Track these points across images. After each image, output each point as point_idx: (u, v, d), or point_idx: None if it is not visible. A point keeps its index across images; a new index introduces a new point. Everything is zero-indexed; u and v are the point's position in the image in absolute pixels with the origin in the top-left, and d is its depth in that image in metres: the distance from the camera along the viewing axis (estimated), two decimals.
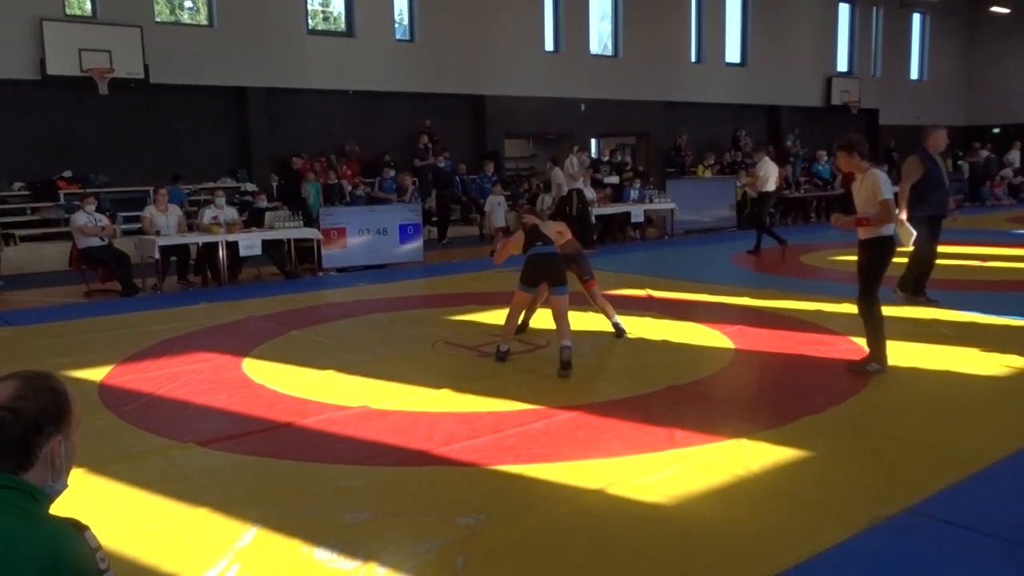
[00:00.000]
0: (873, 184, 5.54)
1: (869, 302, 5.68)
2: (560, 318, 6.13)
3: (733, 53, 24.27)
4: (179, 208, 11.73)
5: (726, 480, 3.98)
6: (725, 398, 5.50)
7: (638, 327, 7.57)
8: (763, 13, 24.22)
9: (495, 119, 19.42)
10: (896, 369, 5.83)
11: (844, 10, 26.72)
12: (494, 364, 6.35)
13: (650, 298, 9.15)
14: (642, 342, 7.09)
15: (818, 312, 8.07)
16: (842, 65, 26.87)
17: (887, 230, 5.61)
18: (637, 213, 15.57)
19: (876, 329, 5.69)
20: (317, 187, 14.42)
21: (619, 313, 7.40)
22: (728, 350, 6.66)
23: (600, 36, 22.00)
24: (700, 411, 5.07)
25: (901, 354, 6.11)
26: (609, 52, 21.84)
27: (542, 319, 7.97)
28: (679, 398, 5.38)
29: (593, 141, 21.94)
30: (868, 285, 5.68)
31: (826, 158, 20.43)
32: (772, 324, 7.53)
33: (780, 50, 24.42)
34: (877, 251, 5.63)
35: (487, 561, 3.27)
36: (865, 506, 3.64)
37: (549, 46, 20.49)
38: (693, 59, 23.22)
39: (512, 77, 19.34)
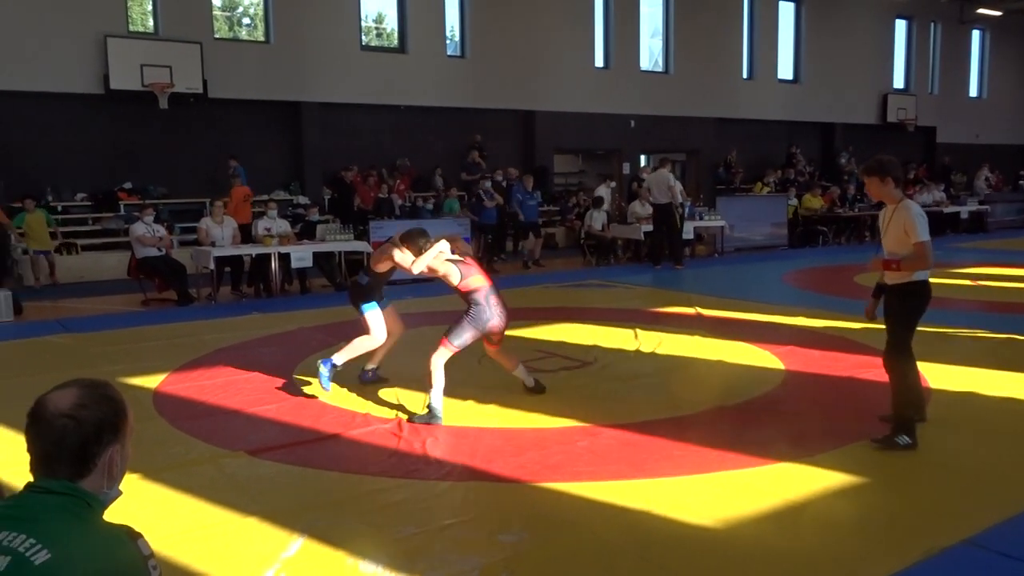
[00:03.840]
0: (907, 220, 4.55)
1: (901, 357, 4.68)
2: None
3: (786, 69, 23.99)
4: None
5: (775, 505, 3.90)
6: (774, 420, 5.40)
7: (686, 346, 7.49)
8: (817, 29, 23.92)
9: (544, 135, 19.48)
10: (951, 394, 5.67)
11: (901, 26, 26.26)
12: (540, 380, 6.31)
13: (699, 316, 9.05)
14: (690, 361, 7.01)
15: (872, 334, 7.88)
16: (898, 82, 26.38)
17: (921, 273, 4.63)
18: (687, 230, 15.44)
19: (907, 390, 4.69)
20: (454, 204, 14.70)
21: (668, 331, 7.34)
22: (778, 371, 6.55)
23: (651, 52, 21.94)
24: (748, 433, 4.98)
25: (957, 378, 5.94)
26: (660, 68, 21.76)
27: (587, 335, 7.94)
28: (727, 419, 5.30)
29: (642, 157, 21.85)
30: (900, 337, 4.68)
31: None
32: (824, 345, 7.38)
33: (834, 67, 24.07)
34: (914, 298, 4.65)
35: None
36: (919, 536, 3.54)
37: (599, 62, 20.51)
38: (745, 75, 23.02)
39: (562, 93, 19.39)
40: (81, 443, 1.65)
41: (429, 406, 5.28)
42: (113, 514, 1.72)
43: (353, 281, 6.33)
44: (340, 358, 5.85)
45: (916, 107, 25.85)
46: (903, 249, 4.58)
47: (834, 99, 24.15)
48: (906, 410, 4.67)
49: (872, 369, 6.47)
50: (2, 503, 1.77)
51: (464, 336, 5.38)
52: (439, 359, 5.34)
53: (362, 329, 6.06)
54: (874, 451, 4.61)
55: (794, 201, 18.09)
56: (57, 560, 1.52)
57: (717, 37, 22.02)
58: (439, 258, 5.52)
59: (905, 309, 4.66)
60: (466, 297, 5.49)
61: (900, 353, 4.67)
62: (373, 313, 6.00)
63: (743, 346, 7.42)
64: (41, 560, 1.52)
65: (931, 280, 4.68)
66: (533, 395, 5.81)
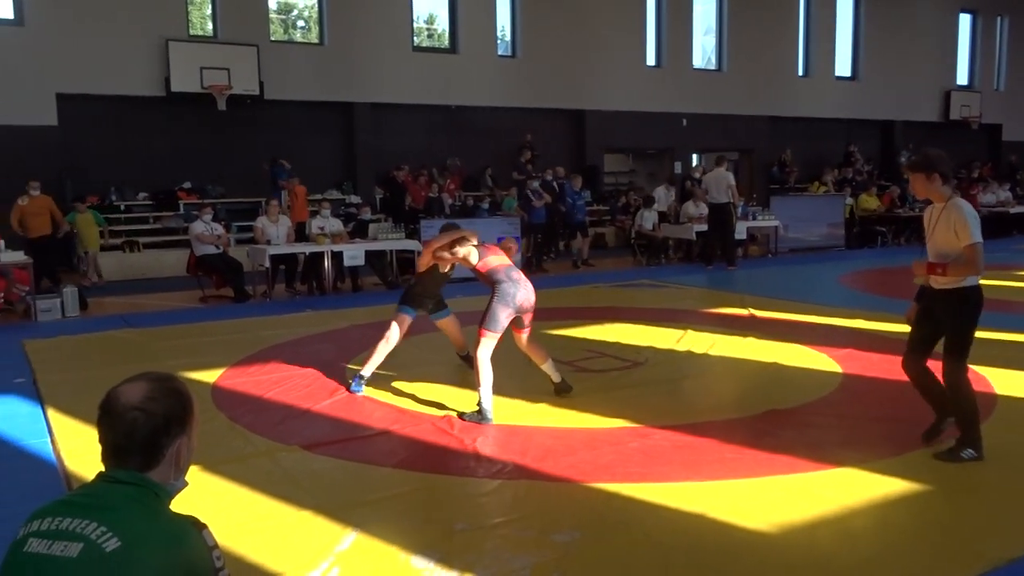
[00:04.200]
0: (957, 220, 4.20)
1: (960, 371, 4.38)
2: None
3: (844, 66, 23.51)
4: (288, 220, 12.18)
5: (832, 510, 3.83)
6: (831, 424, 5.29)
7: (739, 347, 7.39)
8: (877, 25, 23.39)
9: (595, 134, 19.40)
10: (1017, 400, 5.50)
11: (965, 20, 25.52)
12: (590, 379, 6.31)
13: (752, 317, 8.93)
14: (743, 363, 6.92)
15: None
16: (962, 78, 25.66)
17: (973, 278, 4.30)
18: (739, 230, 15.23)
19: (970, 405, 4.42)
20: (512, 202, 14.82)
21: (720, 332, 7.26)
22: (835, 374, 6.42)
23: (704, 50, 21.71)
24: (804, 437, 4.90)
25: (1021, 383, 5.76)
26: (713, 66, 21.52)
27: (637, 335, 7.89)
28: (782, 422, 5.21)
29: (694, 156, 21.63)
30: (960, 347, 4.35)
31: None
32: (883, 348, 7.21)
33: (895, 63, 23.50)
34: (968, 305, 4.31)
35: None
36: (982, 547, 3.44)
37: (651, 60, 20.36)
38: (800, 73, 22.62)
39: (613, 92, 19.30)
40: (150, 435, 1.70)
41: (479, 405, 5.30)
42: (176, 505, 1.77)
43: (409, 285, 6.56)
44: (368, 369, 6.07)
45: (980, 104, 25.12)
46: (951, 251, 4.25)
47: (894, 96, 23.59)
48: (973, 422, 4.42)
49: (934, 373, 6.31)
50: (74, 491, 1.83)
51: (499, 319, 5.36)
52: (483, 352, 5.34)
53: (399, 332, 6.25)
54: (935, 458, 4.49)
55: (851, 201, 17.71)
56: (126, 548, 1.57)
57: (772, 34, 21.68)
58: (462, 243, 5.63)
59: (961, 318, 4.34)
60: (489, 278, 5.51)
61: (961, 365, 4.38)
62: (399, 317, 6.19)
63: (798, 348, 7.29)
64: (111, 548, 1.56)
65: (990, 283, 4.51)
66: (561, 394, 5.73)
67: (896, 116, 23.96)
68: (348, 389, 6.05)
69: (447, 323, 6.53)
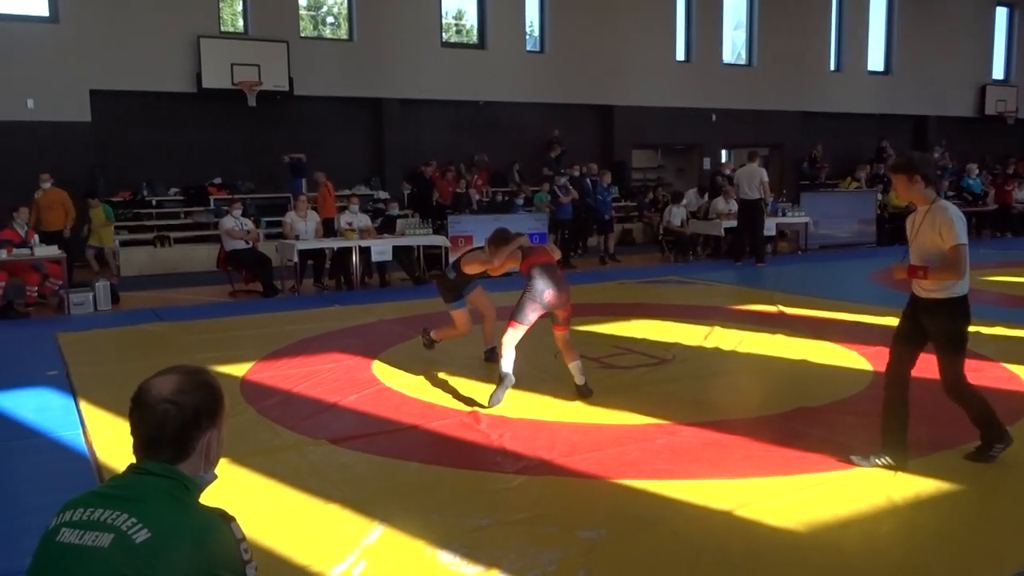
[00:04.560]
0: (943, 222, 4.03)
1: (959, 378, 4.25)
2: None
3: (876, 61, 23.18)
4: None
5: (863, 510, 3.78)
6: (861, 423, 5.21)
7: (768, 345, 7.33)
8: (910, 18, 23.02)
9: (623, 129, 19.31)
10: None
11: (1002, 14, 25.05)
12: (617, 376, 6.29)
13: (781, 314, 8.84)
14: (772, 360, 6.85)
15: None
16: (998, 72, 25.18)
17: (961, 287, 4.13)
18: (769, 227, 15.08)
19: (984, 406, 4.29)
20: (543, 196, 14.82)
21: (749, 329, 7.19)
22: (866, 372, 6.33)
23: (734, 45, 21.52)
24: (833, 435, 4.84)
25: None
26: (743, 61, 21.32)
27: (665, 332, 7.85)
28: (811, 420, 5.16)
29: (723, 152, 21.46)
30: (955, 363, 4.22)
31: (976, 172, 19.22)
32: None
33: (929, 57, 23.12)
34: (958, 318, 4.17)
35: None
36: (1012, 550, 3.38)
37: (680, 56, 20.22)
38: (832, 67, 22.35)
39: (642, 87, 19.19)
40: (181, 427, 1.72)
41: (501, 374, 5.51)
42: (204, 497, 1.78)
43: (442, 275, 6.75)
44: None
45: (1017, 98, 24.64)
46: (936, 253, 4.08)
47: (928, 91, 23.21)
48: (990, 420, 4.28)
49: (968, 372, 6.20)
50: (105, 483, 1.86)
51: (526, 312, 5.52)
52: (510, 339, 5.54)
53: (448, 321, 6.76)
54: (966, 459, 4.42)
55: (882, 196, 17.46)
56: (156, 539, 1.58)
57: (804, 28, 21.43)
58: (515, 253, 5.89)
59: (952, 330, 4.18)
60: (527, 275, 5.68)
61: (959, 372, 4.23)
62: (458, 312, 6.62)
63: (828, 346, 7.21)
64: (141, 539, 1.58)
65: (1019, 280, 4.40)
66: (581, 396, 5.67)
67: (929, 111, 23.58)
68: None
69: (476, 295, 6.77)
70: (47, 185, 11.67)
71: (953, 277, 4.06)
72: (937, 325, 4.18)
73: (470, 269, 6.29)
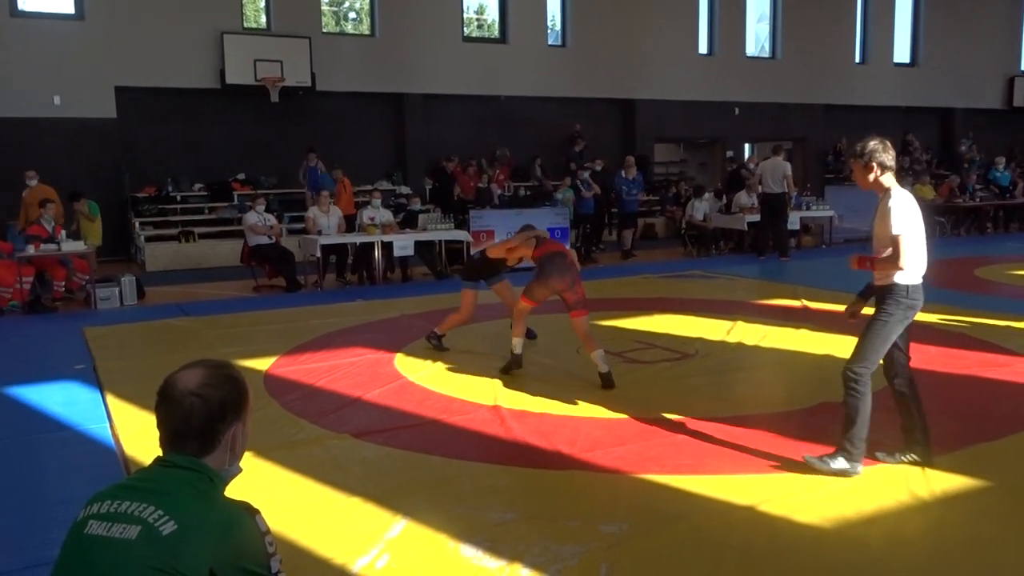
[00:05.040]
0: (887, 211, 3.94)
1: (852, 375, 4.07)
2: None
3: (902, 52, 22.88)
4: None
5: (889, 506, 3.74)
6: (887, 419, 5.15)
7: (792, 339, 7.27)
8: (938, 9, 22.70)
9: (645, 123, 19.22)
10: None
11: None
12: (640, 371, 6.27)
13: (805, 309, 8.76)
14: (795, 355, 6.79)
15: (995, 330, 7.47)
16: None
17: (908, 277, 3.97)
18: (793, 220, 14.94)
19: (853, 411, 4.08)
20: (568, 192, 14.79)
21: (772, 324, 7.12)
22: None
23: (757, 38, 21.33)
24: None
25: None
26: (766, 54, 21.14)
27: (687, 326, 7.81)
28: (835, 416, 5.09)
29: (746, 146, 21.30)
30: (863, 349, 4.06)
31: (1004, 165, 18.94)
32: (942, 342, 7.02)
33: (956, 48, 22.78)
34: (888, 304, 4.01)
35: (631, 572, 3.22)
36: None
37: (703, 49, 20.08)
38: (857, 60, 22.09)
39: (664, 81, 19.08)
40: (206, 420, 1.73)
41: (512, 352, 6.21)
42: (228, 490, 1.80)
43: (470, 257, 7.30)
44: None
45: None
46: (886, 243, 3.98)
47: (955, 83, 22.88)
48: (854, 433, 4.04)
49: (994, 367, 6.14)
50: (132, 475, 1.88)
51: (534, 290, 6.11)
52: (520, 310, 6.25)
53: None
54: (996, 455, 4.36)
55: (910, 189, 17.24)
56: (183, 531, 1.60)
57: (828, 20, 21.20)
58: (529, 241, 6.47)
59: (881, 312, 4.02)
60: (539, 262, 6.22)
61: (863, 363, 4.04)
62: (469, 292, 7.10)
63: (853, 340, 7.07)
64: (168, 531, 1.60)
65: None
66: (604, 387, 5.75)
67: (956, 103, 23.26)
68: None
69: (501, 287, 7.21)
70: (33, 182, 11.44)
71: (894, 267, 3.95)
72: (876, 309, 4.10)
73: (493, 253, 6.84)
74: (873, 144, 4.03)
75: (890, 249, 3.95)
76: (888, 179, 4.05)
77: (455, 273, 12.26)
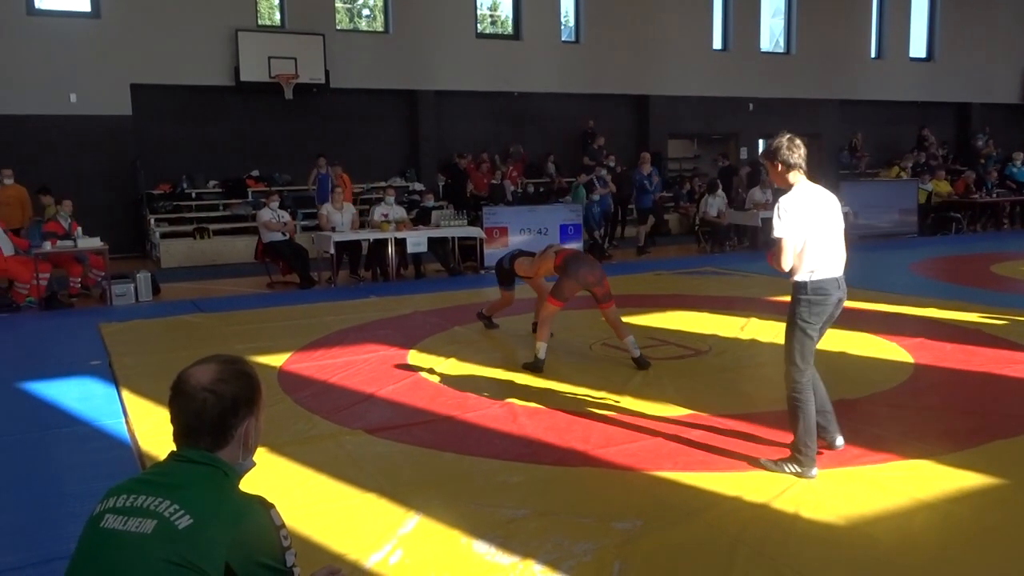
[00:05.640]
0: (775, 212, 3.98)
1: (790, 370, 4.09)
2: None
3: (918, 47, 22.71)
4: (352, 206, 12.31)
5: (903, 503, 3.72)
6: (902, 416, 5.14)
7: None
8: (954, 4, 22.51)
9: (659, 119, 19.17)
10: None
11: None
12: (653, 367, 6.25)
13: None
14: None
15: (1011, 327, 7.41)
16: None
17: (809, 273, 3.98)
18: None
19: (794, 413, 4.08)
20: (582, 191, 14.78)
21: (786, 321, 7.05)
22: (907, 364, 6.23)
23: (772, 33, 21.21)
24: (873, 428, 4.77)
25: None
26: (781, 49, 21.02)
27: (701, 323, 7.79)
28: (850, 413, 5.07)
29: (760, 141, 21.17)
30: (789, 349, 4.09)
31: (1021, 160, 18.75)
32: (958, 338, 6.98)
33: (973, 43, 22.59)
34: (795, 303, 4.06)
35: (644, 568, 3.22)
36: None
37: (717, 44, 20.00)
38: (873, 54, 21.94)
39: (678, 76, 19.02)
40: (220, 416, 1.75)
41: (536, 355, 6.15)
42: (242, 485, 1.81)
43: (500, 265, 7.58)
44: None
45: None
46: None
47: (971, 78, 22.70)
48: (800, 436, 4.04)
49: (1010, 365, 6.09)
50: (147, 470, 1.89)
51: (563, 290, 6.21)
52: (547, 315, 6.27)
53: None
54: (1015, 452, 4.33)
55: (929, 186, 17.10)
56: (198, 525, 1.61)
57: (844, 15, 21.06)
58: (547, 254, 6.73)
59: (791, 315, 4.09)
60: (563, 266, 6.35)
61: (791, 365, 4.07)
62: (507, 293, 7.57)
63: (868, 337, 7.10)
64: (184, 525, 1.61)
65: None
66: (639, 369, 6.13)
67: (973, 98, 23.07)
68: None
69: (536, 283, 7.30)
70: (9, 181, 11.40)
71: (776, 267, 3.99)
72: (789, 308, 4.14)
73: (521, 271, 7.20)
74: (778, 142, 4.06)
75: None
76: (794, 176, 4.06)
77: (468, 270, 12.29)
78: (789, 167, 4.03)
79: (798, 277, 4.01)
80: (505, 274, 7.46)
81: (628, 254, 14.38)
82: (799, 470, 4.03)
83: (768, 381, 6.14)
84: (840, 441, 4.33)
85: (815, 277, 4.00)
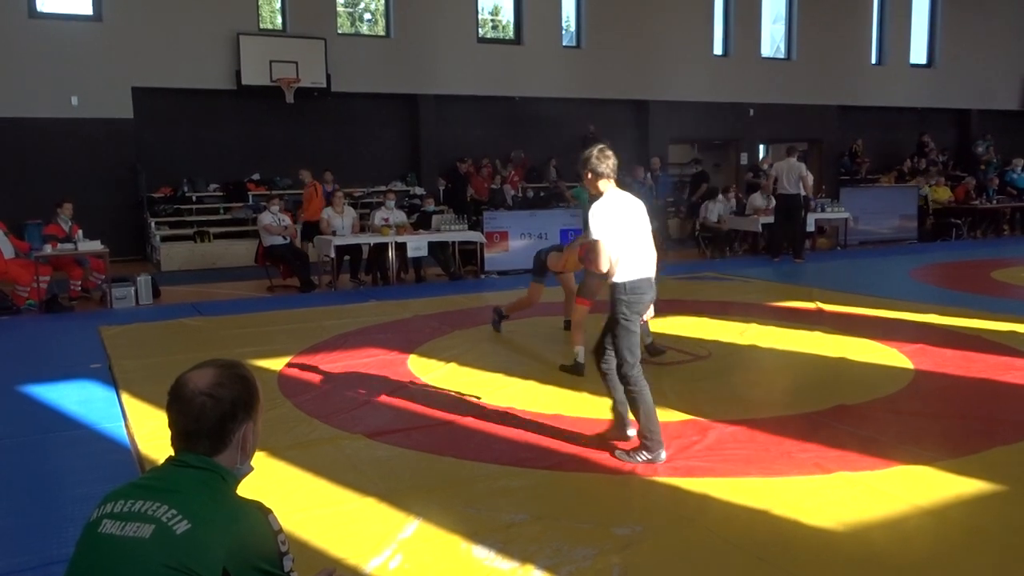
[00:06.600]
0: (589, 217, 4.32)
1: (622, 376, 4.39)
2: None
3: (919, 54, 22.72)
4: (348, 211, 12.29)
5: (902, 509, 3.72)
6: (901, 421, 5.13)
7: (806, 342, 7.23)
8: (955, 10, 22.51)
9: (659, 124, 19.17)
10: None
11: None
12: (652, 373, 6.23)
13: (820, 311, 8.72)
14: (810, 357, 6.76)
15: (1011, 333, 7.40)
16: None
17: (623, 275, 4.31)
18: (808, 223, 14.85)
19: (634, 405, 4.42)
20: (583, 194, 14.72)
21: (787, 326, 7.10)
22: (906, 370, 6.23)
23: (772, 38, 21.24)
24: (873, 433, 4.77)
25: None
26: (782, 55, 21.04)
27: (701, 328, 7.79)
28: (850, 418, 5.08)
29: (761, 147, 21.21)
30: (616, 348, 4.39)
31: (1021, 167, 18.77)
32: (957, 344, 6.98)
33: (973, 50, 22.59)
34: (615, 304, 4.37)
35: (644, 574, 3.22)
36: None
37: (718, 50, 20.01)
38: (873, 60, 21.96)
39: (678, 82, 19.02)
40: (218, 420, 1.74)
41: (575, 359, 6.26)
42: (241, 489, 1.81)
43: (538, 255, 7.54)
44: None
45: None
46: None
47: (972, 84, 22.70)
48: (644, 428, 4.37)
49: (1010, 371, 6.09)
50: (145, 475, 1.89)
51: (588, 286, 6.38)
52: (580, 317, 6.40)
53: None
54: (1013, 459, 4.32)
55: (925, 191, 17.12)
56: (196, 530, 1.61)
57: (844, 21, 21.08)
58: (573, 245, 6.87)
59: (610, 316, 4.40)
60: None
61: (621, 363, 4.38)
62: (536, 286, 7.53)
63: (868, 343, 7.10)
64: (182, 530, 1.61)
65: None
66: (653, 356, 6.40)
67: (973, 105, 23.08)
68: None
69: (566, 278, 7.43)
70: None
71: (591, 268, 4.38)
72: (609, 307, 4.44)
73: (550, 263, 7.22)
74: (589, 153, 4.42)
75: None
76: (604, 184, 4.40)
77: (468, 274, 12.29)
78: (598, 176, 4.39)
79: (616, 279, 4.34)
80: (540, 265, 7.46)
81: None
82: (649, 457, 4.32)
83: (769, 386, 6.15)
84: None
85: (630, 279, 4.34)
